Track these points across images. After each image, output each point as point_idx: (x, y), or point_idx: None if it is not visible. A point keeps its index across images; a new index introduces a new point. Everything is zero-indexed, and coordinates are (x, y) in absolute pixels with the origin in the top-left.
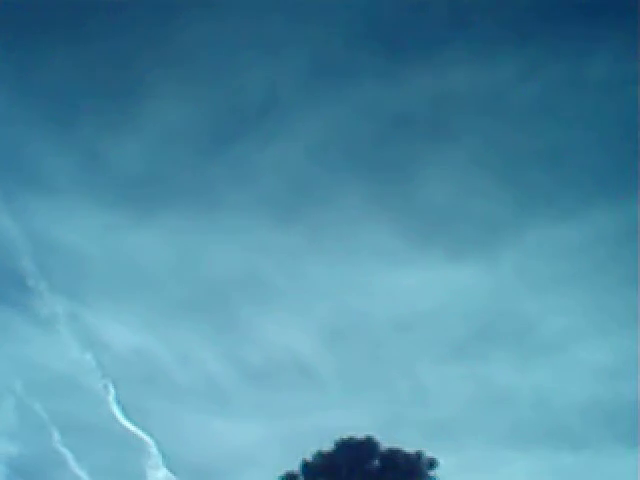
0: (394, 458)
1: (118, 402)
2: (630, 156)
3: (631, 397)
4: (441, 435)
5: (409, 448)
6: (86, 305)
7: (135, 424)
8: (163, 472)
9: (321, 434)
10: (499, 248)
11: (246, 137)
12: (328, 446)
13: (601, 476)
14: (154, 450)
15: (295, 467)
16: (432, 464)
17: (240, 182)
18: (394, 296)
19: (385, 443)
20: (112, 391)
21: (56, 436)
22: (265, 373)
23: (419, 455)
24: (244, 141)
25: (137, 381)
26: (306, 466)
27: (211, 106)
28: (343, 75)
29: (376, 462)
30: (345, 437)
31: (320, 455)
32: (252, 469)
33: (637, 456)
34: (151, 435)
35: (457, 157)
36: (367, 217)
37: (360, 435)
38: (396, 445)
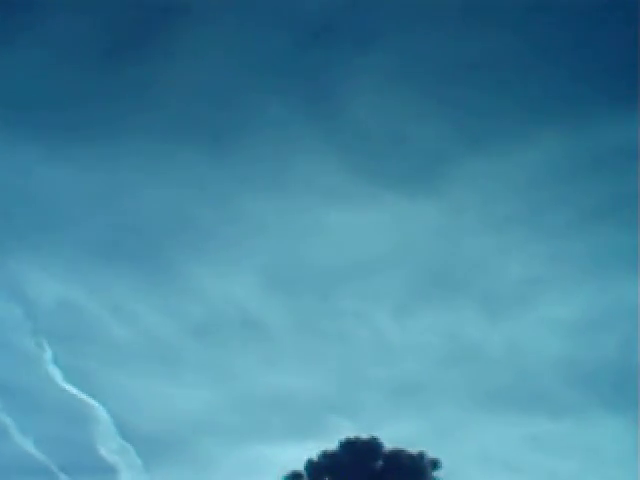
0: (397, 458)
1: (55, 363)
2: (589, 67)
3: (610, 355)
4: (408, 396)
5: (412, 449)
6: (4, 252)
7: (78, 388)
8: (117, 441)
9: (275, 397)
10: (447, 182)
11: (153, 50)
12: (333, 446)
13: (583, 445)
14: (104, 417)
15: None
16: (435, 465)
17: (155, 104)
18: (343, 237)
19: (387, 444)
20: (47, 350)
21: None
22: (209, 328)
23: (422, 455)
24: (151, 55)
25: (70, 339)
26: (311, 465)
27: (108, 18)
28: None
29: (380, 462)
30: (350, 437)
31: (325, 455)
32: (209, 438)
33: (623, 423)
34: (98, 400)
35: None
36: (302, 147)
37: (364, 435)
38: (399, 446)
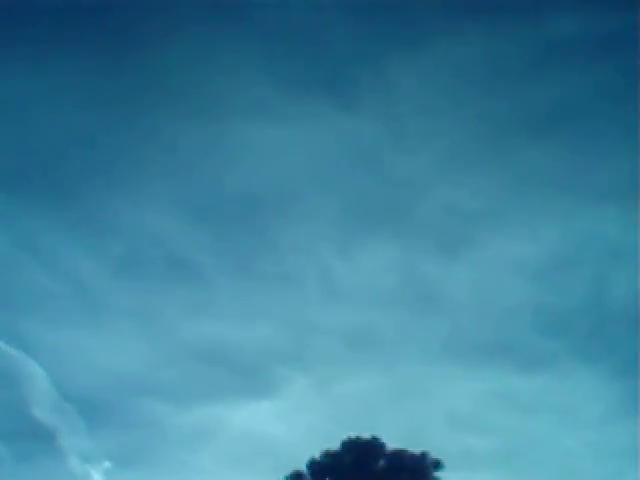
0: (400, 458)
1: None
2: None
3: (582, 297)
4: (364, 346)
5: (414, 449)
6: None
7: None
8: (53, 398)
9: (215, 350)
10: (387, 92)
11: None
12: (335, 446)
13: (557, 403)
14: (39, 373)
15: None
16: (437, 465)
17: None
18: (274, 159)
19: (389, 445)
20: None
21: None
22: (131, 269)
23: (424, 455)
24: None
25: None
26: (313, 465)
27: None
28: None
29: (382, 462)
30: (352, 437)
31: (327, 454)
32: (151, 398)
33: (599, 376)
34: (28, 354)
35: None
36: (220, 56)
37: (366, 435)
38: (400, 446)
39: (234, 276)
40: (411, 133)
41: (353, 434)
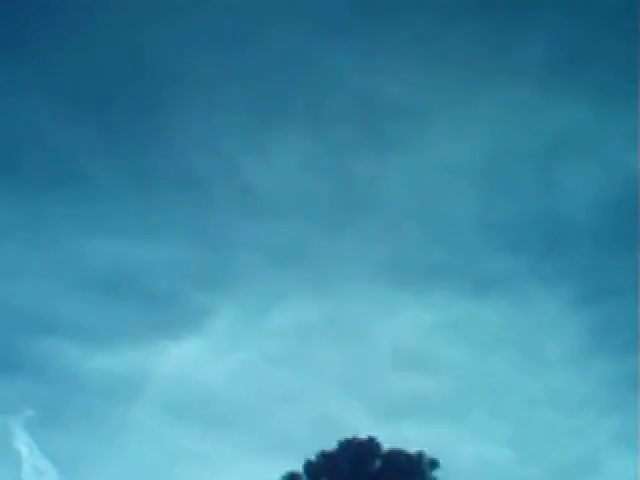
0: (396, 458)
1: None
2: None
3: (533, 203)
4: (295, 264)
5: (410, 449)
6: None
7: None
8: None
9: (121, 274)
10: None
11: None
12: (331, 446)
13: (513, 334)
14: None
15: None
16: (433, 464)
17: None
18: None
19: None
20: None
21: None
22: (14, 176)
23: (421, 455)
24: None
25: None
26: (309, 466)
27: None
28: None
29: (378, 462)
30: (349, 437)
31: (323, 455)
32: (58, 339)
33: (561, 300)
34: None
35: None
36: None
37: (362, 435)
38: (397, 446)
39: (128, 180)
40: None
41: (350, 435)
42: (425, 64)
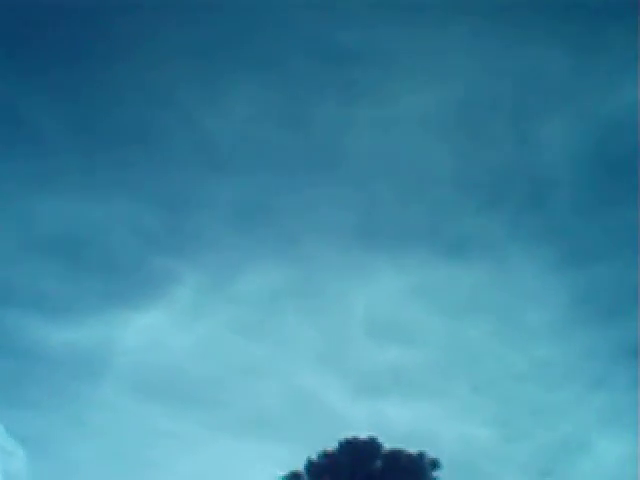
0: (397, 458)
1: None
2: None
3: (504, 160)
4: (259, 225)
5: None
6: None
7: None
8: None
9: (73, 236)
10: None
11: None
12: (332, 446)
13: (497, 302)
14: None
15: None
16: (434, 465)
17: None
18: None
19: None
20: None
21: None
22: None
23: (421, 456)
24: None
25: None
26: (310, 465)
27: None
28: None
29: (379, 462)
30: (349, 437)
31: (324, 455)
32: (18, 310)
33: (543, 263)
34: None
35: None
36: None
37: (363, 436)
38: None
39: (79, 136)
40: None
41: (350, 435)
42: (391, 11)
